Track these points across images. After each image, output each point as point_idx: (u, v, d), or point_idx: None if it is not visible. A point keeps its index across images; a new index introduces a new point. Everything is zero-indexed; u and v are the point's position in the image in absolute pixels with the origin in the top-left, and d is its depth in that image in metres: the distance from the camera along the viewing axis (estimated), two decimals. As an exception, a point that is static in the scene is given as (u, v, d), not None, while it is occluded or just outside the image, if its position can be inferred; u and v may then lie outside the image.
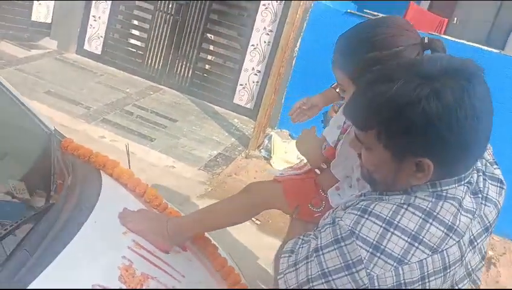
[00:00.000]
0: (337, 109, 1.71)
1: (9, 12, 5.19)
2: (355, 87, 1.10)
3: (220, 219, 1.49)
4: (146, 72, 5.29)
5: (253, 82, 4.90)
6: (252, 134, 4.29)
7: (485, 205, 0.99)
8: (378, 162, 0.92)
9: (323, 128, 1.58)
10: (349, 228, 0.88)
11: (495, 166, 1.08)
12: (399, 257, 0.85)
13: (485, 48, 3.94)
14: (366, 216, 0.89)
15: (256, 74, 4.87)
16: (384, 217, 0.88)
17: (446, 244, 0.87)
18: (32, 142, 1.75)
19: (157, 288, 1.23)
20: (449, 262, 0.88)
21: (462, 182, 0.92)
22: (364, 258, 0.85)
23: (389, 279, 0.85)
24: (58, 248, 1.14)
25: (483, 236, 0.99)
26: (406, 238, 0.86)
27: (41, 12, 5.39)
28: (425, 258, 0.86)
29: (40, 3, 5.34)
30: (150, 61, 5.27)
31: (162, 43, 5.19)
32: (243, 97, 4.98)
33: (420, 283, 0.86)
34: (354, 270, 0.86)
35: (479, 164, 1.02)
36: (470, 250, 0.95)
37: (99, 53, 5.42)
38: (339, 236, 0.89)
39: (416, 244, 0.86)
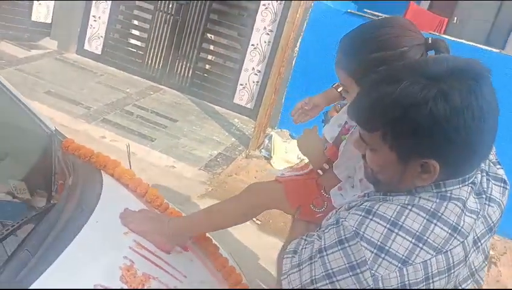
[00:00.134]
0: (339, 108, 1.70)
1: (9, 12, 5.19)
2: (359, 87, 1.10)
3: (221, 220, 1.49)
4: (146, 72, 5.29)
5: (254, 82, 4.90)
6: (253, 134, 4.29)
7: (489, 205, 0.99)
8: (383, 163, 0.91)
9: (324, 128, 1.58)
10: (354, 228, 0.88)
11: (498, 166, 1.07)
12: (403, 257, 0.85)
13: (485, 47, 3.94)
14: (370, 217, 0.89)
15: (256, 74, 4.87)
16: (389, 217, 0.88)
17: (450, 245, 0.87)
18: (33, 142, 1.75)
19: (159, 288, 1.23)
20: (453, 263, 0.87)
21: (466, 183, 0.91)
22: (369, 259, 0.85)
23: (394, 280, 0.84)
24: (59, 248, 1.14)
25: (487, 236, 0.99)
26: (411, 239, 0.86)
27: (41, 12, 5.39)
28: (429, 259, 0.85)
29: (40, 3, 5.34)
30: (150, 61, 5.27)
31: (162, 43, 5.19)
32: (243, 97, 4.98)
33: (424, 283, 0.85)
34: (358, 271, 0.86)
35: (482, 164, 1.02)
36: (474, 250, 0.95)
37: (100, 53, 5.42)
38: (343, 237, 0.89)
39: (420, 245, 0.85)
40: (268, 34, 4.74)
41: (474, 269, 0.99)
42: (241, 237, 2.91)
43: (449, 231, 0.87)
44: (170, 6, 5.08)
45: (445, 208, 0.88)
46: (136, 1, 5.24)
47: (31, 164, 1.74)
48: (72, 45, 5.47)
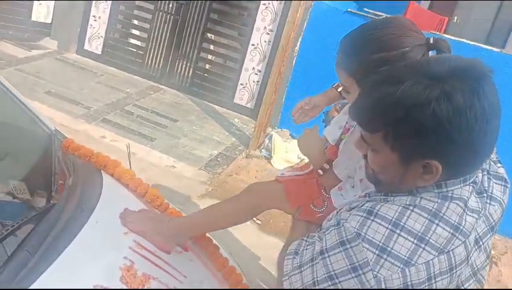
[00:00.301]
0: (339, 108, 1.70)
1: (9, 12, 5.19)
2: (360, 88, 1.09)
3: (221, 220, 1.49)
4: (146, 72, 5.28)
5: (254, 82, 4.90)
6: (253, 134, 4.29)
7: (490, 204, 0.99)
8: (384, 163, 0.91)
9: (324, 127, 1.58)
10: (355, 230, 0.88)
11: (499, 165, 1.07)
12: (406, 258, 0.85)
13: (486, 46, 3.94)
14: (371, 218, 0.88)
15: (256, 74, 4.87)
16: (390, 218, 0.87)
17: (452, 244, 0.87)
18: (33, 142, 1.75)
19: (159, 288, 1.22)
20: (455, 262, 0.87)
21: (468, 182, 0.91)
22: (371, 260, 0.85)
23: (396, 281, 0.84)
24: (59, 248, 1.14)
25: (489, 235, 0.99)
26: (412, 240, 0.85)
27: (41, 13, 5.39)
28: (431, 259, 0.85)
29: (40, 3, 5.33)
30: (150, 61, 5.26)
31: (162, 42, 5.18)
32: (243, 97, 4.98)
33: (427, 284, 0.85)
34: (360, 272, 0.85)
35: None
36: (476, 249, 0.95)
37: (100, 53, 5.41)
38: (345, 238, 0.88)
39: (422, 245, 0.85)
40: (268, 33, 4.74)
41: (476, 268, 0.98)
42: (241, 237, 2.90)
43: (451, 231, 0.87)
44: (170, 6, 5.08)
45: (447, 208, 0.88)
46: (136, 1, 5.23)
47: (31, 164, 1.74)
48: (72, 44, 5.47)
